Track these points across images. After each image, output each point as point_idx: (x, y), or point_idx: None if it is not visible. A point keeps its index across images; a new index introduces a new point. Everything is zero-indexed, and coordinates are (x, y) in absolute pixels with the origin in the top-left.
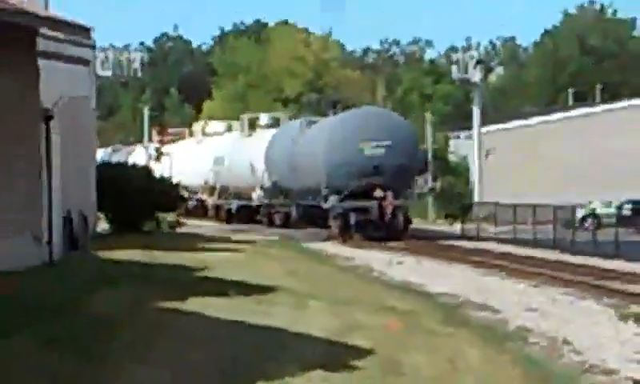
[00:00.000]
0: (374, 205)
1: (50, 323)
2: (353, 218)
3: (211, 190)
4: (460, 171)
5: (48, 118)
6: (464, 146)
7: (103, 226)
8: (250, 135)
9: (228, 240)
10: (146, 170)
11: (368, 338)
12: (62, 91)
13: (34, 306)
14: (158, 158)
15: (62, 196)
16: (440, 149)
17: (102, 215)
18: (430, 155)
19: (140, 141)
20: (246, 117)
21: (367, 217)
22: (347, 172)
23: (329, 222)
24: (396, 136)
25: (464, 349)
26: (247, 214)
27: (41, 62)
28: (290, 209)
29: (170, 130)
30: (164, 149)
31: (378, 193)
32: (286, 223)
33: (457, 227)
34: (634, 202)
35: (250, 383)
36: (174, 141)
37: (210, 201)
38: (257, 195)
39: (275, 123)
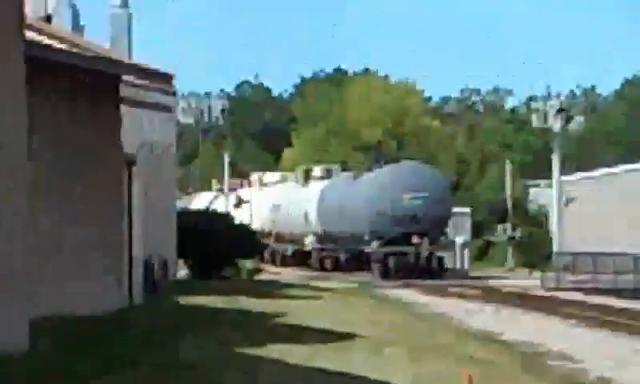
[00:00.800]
0: (411, 250)
1: (130, 368)
2: (392, 262)
3: (268, 235)
4: (539, 220)
5: (130, 164)
6: (543, 195)
7: (183, 271)
8: (304, 186)
9: (307, 287)
10: (226, 217)
11: None
12: (145, 138)
13: (112, 351)
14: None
15: (143, 241)
16: (519, 198)
17: (181, 261)
18: (509, 204)
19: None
20: (301, 168)
21: (405, 260)
22: (388, 220)
23: (371, 265)
24: (432, 188)
25: None
26: (300, 258)
27: (124, 109)
28: (338, 253)
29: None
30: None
31: (415, 239)
32: (335, 266)
33: (536, 276)
34: None
35: None
36: (235, 190)
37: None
38: (309, 241)
39: (327, 175)
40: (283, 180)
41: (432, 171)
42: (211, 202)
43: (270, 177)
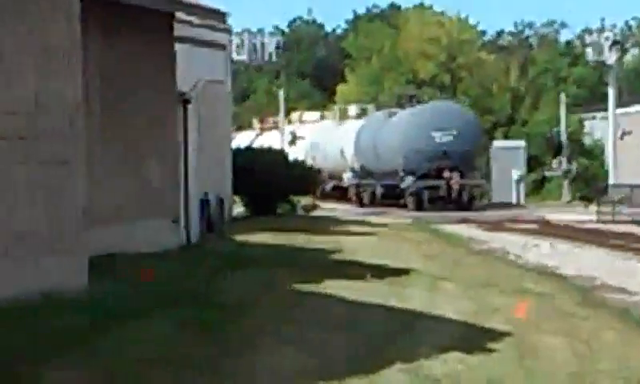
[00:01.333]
0: (442, 184)
1: (187, 306)
2: (425, 195)
3: None
4: (595, 154)
5: (185, 102)
6: (599, 128)
7: (239, 209)
8: (340, 124)
9: (362, 223)
10: (282, 154)
11: (504, 320)
12: (199, 75)
13: (171, 288)
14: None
15: (199, 179)
16: (575, 131)
17: (237, 199)
18: (564, 137)
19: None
20: (337, 107)
21: (437, 194)
22: (420, 156)
23: (405, 199)
24: (461, 126)
25: (601, 331)
26: (339, 193)
27: (178, 47)
28: (374, 188)
29: (270, 119)
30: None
31: (447, 174)
32: (373, 201)
33: (592, 209)
34: None
35: (386, 364)
36: (271, 129)
37: None
38: (347, 177)
39: (363, 113)
40: (321, 119)
41: (461, 110)
42: (252, 142)
43: (309, 115)
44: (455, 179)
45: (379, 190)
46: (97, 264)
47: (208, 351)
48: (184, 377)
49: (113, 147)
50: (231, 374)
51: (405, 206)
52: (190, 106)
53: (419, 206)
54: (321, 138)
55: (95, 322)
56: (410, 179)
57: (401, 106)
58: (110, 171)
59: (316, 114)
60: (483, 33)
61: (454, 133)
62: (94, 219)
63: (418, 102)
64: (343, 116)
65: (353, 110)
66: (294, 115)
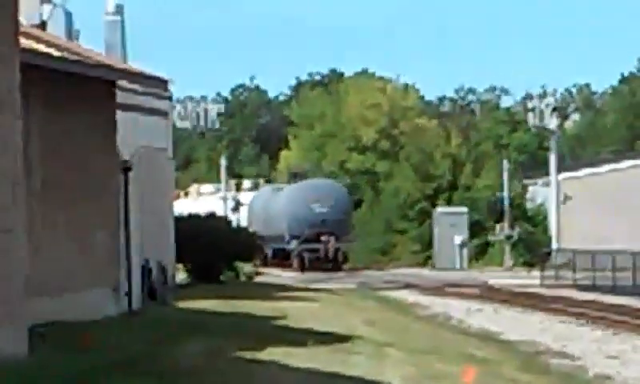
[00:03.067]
0: (321, 247)
1: (133, 374)
2: (307, 256)
3: None
4: (537, 219)
5: (126, 170)
6: (540, 194)
7: (182, 276)
8: (235, 197)
9: (305, 289)
10: (225, 220)
11: None
12: (141, 142)
13: (115, 356)
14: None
15: (141, 246)
16: (517, 196)
17: (180, 266)
18: (507, 203)
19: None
20: (232, 181)
21: (317, 255)
22: (302, 224)
23: (292, 259)
24: (335, 198)
25: None
26: None
27: (119, 114)
28: (265, 250)
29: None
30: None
31: (324, 238)
32: (265, 261)
33: (535, 274)
34: None
35: None
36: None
37: None
38: None
39: (255, 187)
40: (217, 191)
41: (334, 185)
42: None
43: (207, 188)
44: (331, 242)
45: (270, 252)
46: (37, 332)
47: None
48: None
49: (54, 215)
50: None
51: (290, 266)
52: (131, 173)
53: (302, 266)
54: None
55: None
56: (294, 243)
57: (289, 181)
58: (51, 239)
59: (212, 187)
60: (423, 99)
61: (330, 204)
62: (35, 288)
63: (300, 179)
64: (238, 188)
65: (247, 183)
66: (192, 188)
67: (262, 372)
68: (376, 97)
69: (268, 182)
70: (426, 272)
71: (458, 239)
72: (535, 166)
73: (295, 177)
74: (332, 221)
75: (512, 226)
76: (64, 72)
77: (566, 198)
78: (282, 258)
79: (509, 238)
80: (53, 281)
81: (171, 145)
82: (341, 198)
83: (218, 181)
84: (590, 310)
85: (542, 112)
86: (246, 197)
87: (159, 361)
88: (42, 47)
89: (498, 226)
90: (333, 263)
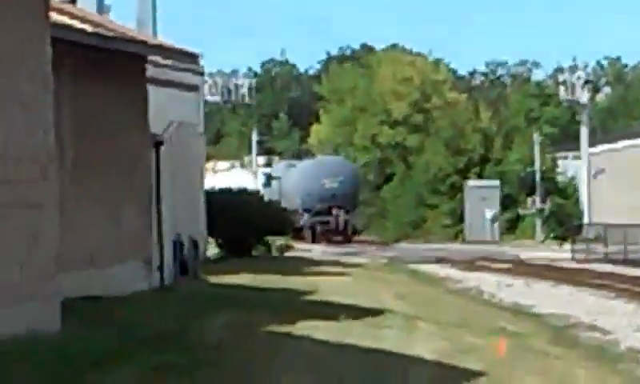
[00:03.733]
0: (331, 219)
1: (161, 350)
2: (318, 229)
3: None
4: (569, 192)
5: (158, 144)
6: (571, 167)
7: (213, 250)
8: (250, 172)
9: (337, 263)
10: (257, 195)
11: (478, 359)
12: (172, 117)
13: (145, 331)
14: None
15: (172, 221)
16: (548, 170)
17: (211, 240)
18: (538, 177)
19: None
20: (247, 158)
21: (328, 227)
22: (314, 198)
23: (305, 232)
24: (345, 174)
25: (574, 370)
26: None
27: (151, 89)
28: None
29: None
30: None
31: (335, 211)
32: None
33: (566, 248)
34: None
35: None
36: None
37: None
38: None
39: (269, 163)
40: (231, 167)
41: (344, 161)
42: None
43: (221, 165)
44: (342, 215)
45: None
46: (70, 308)
47: None
48: None
49: (86, 191)
50: None
51: (303, 238)
52: (162, 148)
53: (313, 238)
54: (233, 183)
55: (70, 367)
56: (306, 216)
57: (299, 158)
58: (83, 215)
59: (227, 164)
60: (455, 72)
61: (340, 179)
62: (67, 263)
63: (313, 155)
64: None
65: (261, 160)
66: (209, 164)
67: (294, 346)
68: (407, 71)
69: (299, 157)
70: (457, 246)
71: (489, 213)
72: (566, 139)
73: (307, 154)
74: (341, 195)
75: (543, 200)
76: (96, 48)
77: (598, 171)
78: (295, 231)
79: (540, 211)
80: (84, 256)
81: (202, 120)
82: (350, 173)
83: (248, 155)
84: (621, 283)
85: (573, 85)
86: (255, 176)
87: (189, 336)
88: (76, 23)
89: (529, 200)
90: (343, 235)
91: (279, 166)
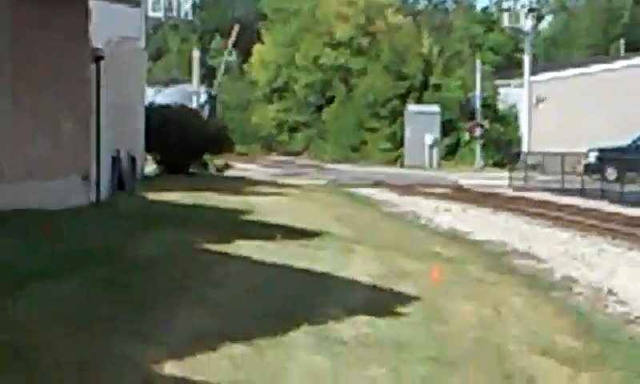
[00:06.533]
0: None
1: (96, 265)
2: None
3: None
4: (509, 120)
5: (98, 59)
6: (513, 95)
7: (151, 167)
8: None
9: (274, 184)
10: (196, 113)
11: (414, 284)
12: (113, 32)
13: (79, 246)
14: (207, 102)
15: (111, 137)
16: (489, 97)
17: (150, 157)
18: (478, 103)
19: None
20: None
21: None
22: None
23: None
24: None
25: (509, 297)
26: None
27: (91, 3)
28: None
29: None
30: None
31: None
32: None
33: (504, 175)
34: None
35: (294, 326)
36: None
37: None
38: None
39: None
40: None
41: (203, 89)
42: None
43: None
44: None
45: None
46: (6, 219)
47: (118, 310)
48: (92, 335)
49: (25, 104)
50: (139, 332)
51: None
52: (102, 63)
53: None
54: None
55: (10, 277)
56: None
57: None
58: (22, 127)
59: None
60: None
61: (201, 103)
62: (5, 175)
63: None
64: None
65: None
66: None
67: (229, 265)
68: None
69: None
70: (396, 170)
71: (429, 138)
72: (509, 67)
73: (173, 82)
74: None
75: (482, 126)
76: None
77: (539, 100)
78: None
79: (480, 137)
80: (22, 169)
81: (144, 35)
82: (207, 100)
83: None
84: (557, 212)
85: (517, 13)
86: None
87: (129, 252)
88: None
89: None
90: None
91: (151, 91)
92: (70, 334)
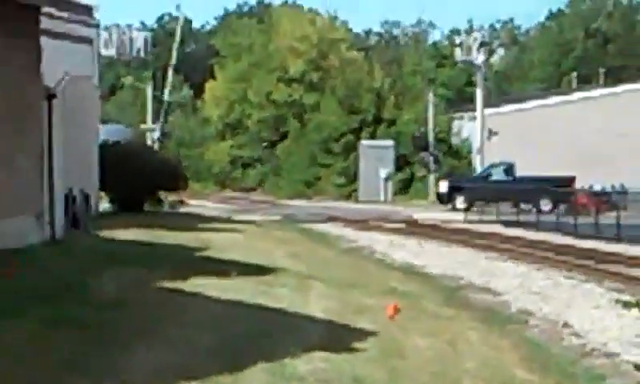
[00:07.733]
0: None
1: (53, 304)
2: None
3: None
4: (463, 154)
5: (50, 97)
6: (466, 128)
7: (105, 205)
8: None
9: (229, 220)
10: (151, 149)
11: (370, 320)
12: (65, 70)
13: (35, 286)
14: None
15: (64, 175)
16: (442, 131)
17: (103, 194)
18: (431, 137)
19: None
20: None
21: None
22: None
23: None
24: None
25: (465, 331)
26: None
27: (44, 41)
28: None
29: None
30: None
31: None
32: None
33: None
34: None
35: (250, 364)
36: None
37: None
38: None
39: None
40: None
41: (124, 130)
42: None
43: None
44: None
45: None
46: None
47: (74, 349)
48: (49, 373)
49: None
50: (96, 371)
51: None
52: (55, 101)
53: None
54: None
55: None
56: None
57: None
58: None
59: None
60: (351, 31)
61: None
62: None
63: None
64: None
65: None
66: None
67: (185, 303)
68: (305, 28)
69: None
70: (350, 205)
71: (383, 172)
72: (462, 101)
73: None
74: None
75: (437, 160)
76: None
77: (491, 133)
78: None
79: (435, 170)
80: None
81: (97, 73)
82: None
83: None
84: (514, 245)
85: (469, 47)
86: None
87: (83, 291)
88: None
89: (422, 154)
90: None
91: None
92: (22, 373)
